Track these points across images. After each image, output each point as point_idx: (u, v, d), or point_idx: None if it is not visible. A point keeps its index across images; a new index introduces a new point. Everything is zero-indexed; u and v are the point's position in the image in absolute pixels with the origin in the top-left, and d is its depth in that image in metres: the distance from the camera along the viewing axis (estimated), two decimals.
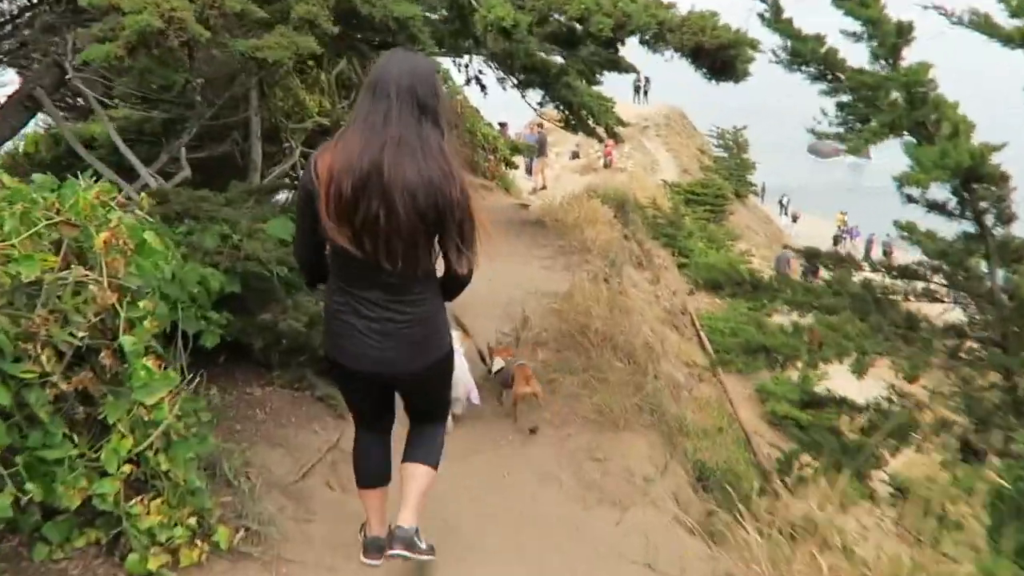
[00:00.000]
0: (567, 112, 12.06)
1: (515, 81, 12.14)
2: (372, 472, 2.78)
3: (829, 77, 5.89)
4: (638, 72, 11.21)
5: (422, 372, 2.57)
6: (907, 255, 30.39)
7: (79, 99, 12.32)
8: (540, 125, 18.69)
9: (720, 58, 6.65)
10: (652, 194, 17.51)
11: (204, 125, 9.28)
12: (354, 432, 2.84)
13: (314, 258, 2.57)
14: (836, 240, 33.05)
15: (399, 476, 2.75)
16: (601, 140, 13.05)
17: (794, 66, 5.89)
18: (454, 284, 2.53)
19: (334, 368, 2.67)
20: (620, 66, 9.46)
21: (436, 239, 2.36)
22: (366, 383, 2.62)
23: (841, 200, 45.77)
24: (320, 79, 12.91)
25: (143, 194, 3.39)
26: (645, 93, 33.85)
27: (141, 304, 2.76)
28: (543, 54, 11.43)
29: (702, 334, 13.27)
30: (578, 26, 7.00)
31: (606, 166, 24.81)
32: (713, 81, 6.96)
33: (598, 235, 9.47)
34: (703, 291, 7.21)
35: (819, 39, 5.90)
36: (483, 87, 13.27)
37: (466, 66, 13.35)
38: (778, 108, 60.04)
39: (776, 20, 6.19)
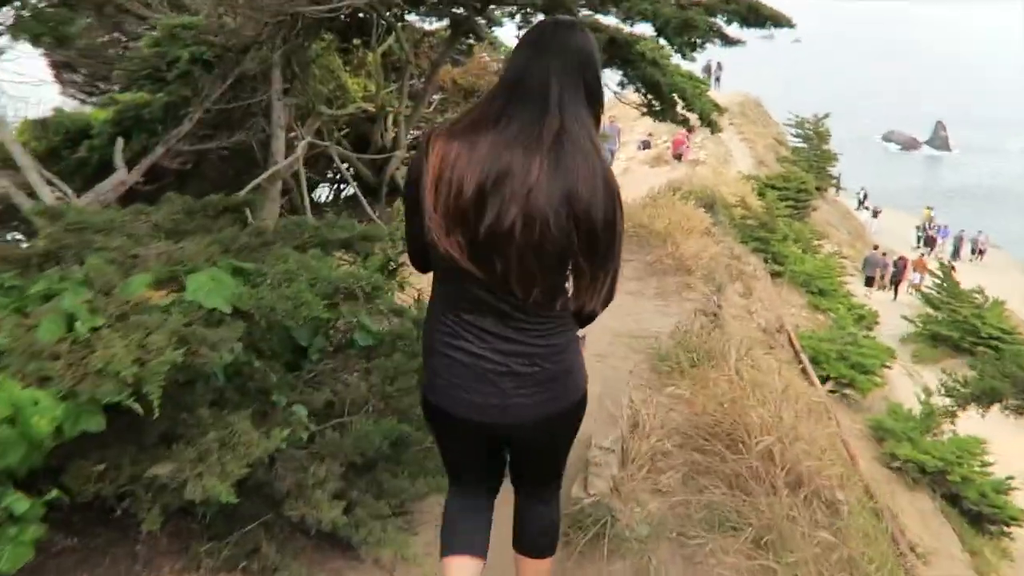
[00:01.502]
0: (653, 96, 9.84)
1: None
2: (464, 539, 1.99)
3: None
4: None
5: (549, 423, 1.86)
6: (999, 254, 27.08)
7: (99, 82, 10.60)
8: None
9: None
10: (736, 190, 15.08)
11: (216, 110, 7.49)
12: (447, 493, 2.10)
13: (422, 255, 1.80)
14: (928, 240, 29.81)
15: (502, 561, 2.08)
16: (691, 129, 10.76)
17: None
18: (585, 320, 1.86)
19: (431, 414, 1.94)
20: (767, 17, 7.09)
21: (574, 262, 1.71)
22: (473, 437, 1.92)
23: (920, 193, 42.29)
24: (367, 60, 11.01)
25: None
26: (717, 79, 31.06)
27: None
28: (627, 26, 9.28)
29: (803, 357, 10.95)
30: None
31: (677, 158, 22.30)
32: None
33: (699, 250, 7.29)
34: (974, 406, 5.05)
35: None
36: None
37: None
38: (853, 101, 56.55)
39: None
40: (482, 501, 2.07)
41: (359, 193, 7.11)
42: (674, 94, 9.36)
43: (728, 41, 7.39)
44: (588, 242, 1.66)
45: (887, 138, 55.42)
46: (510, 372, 1.78)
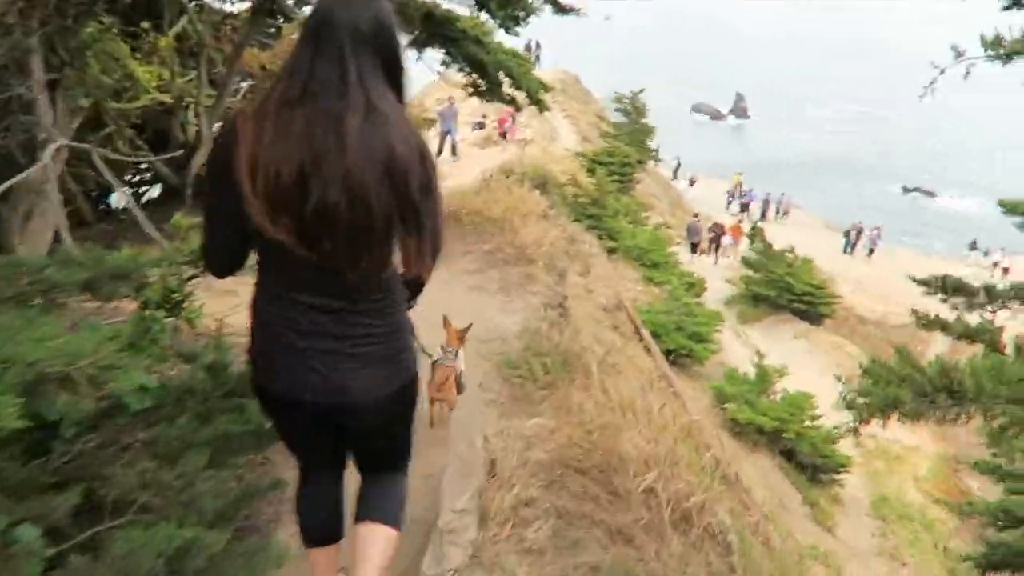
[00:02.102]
0: (478, 75, 9.32)
1: (414, 36, 9.32)
2: (322, 525, 2.08)
3: None
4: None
5: (386, 401, 1.85)
6: (801, 212, 29.06)
7: None
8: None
9: None
10: (566, 168, 14.91)
11: None
12: (298, 474, 2.09)
13: (228, 253, 1.78)
14: (744, 206, 31.26)
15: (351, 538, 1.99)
16: (519, 109, 10.31)
17: None
18: (416, 288, 1.95)
19: (267, 402, 1.91)
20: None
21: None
22: (312, 420, 1.88)
23: (729, 161, 45.00)
24: (159, 45, 9.72)
25: None
26: (537, 58, 31.12)
27: None
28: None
29: (644, 332, 10.95)
30: None
31: (503, 136, 22.02)
32: None
33: (538, 236, 6.89)
34: (874, 417, 4.78)
35: None
36: None
37: None
38: (661, 76, 59.21)
39: None
40: (332, 478, 2.08)
41: (132, 204, 6.07)
42: (500, 73, 8.89)
43: (560, 8, 6.99)
44: (411, 211, 1.66)
45: (695, 110, 58.47)
46: (345, 352, 1.77)
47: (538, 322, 5.20)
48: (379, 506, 1.98)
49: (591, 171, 15.44)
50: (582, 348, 4.47)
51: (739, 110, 58.58)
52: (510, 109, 24.77)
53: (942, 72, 5.34)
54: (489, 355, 4.64)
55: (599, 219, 12.98)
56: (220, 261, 1.79)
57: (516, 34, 8.25)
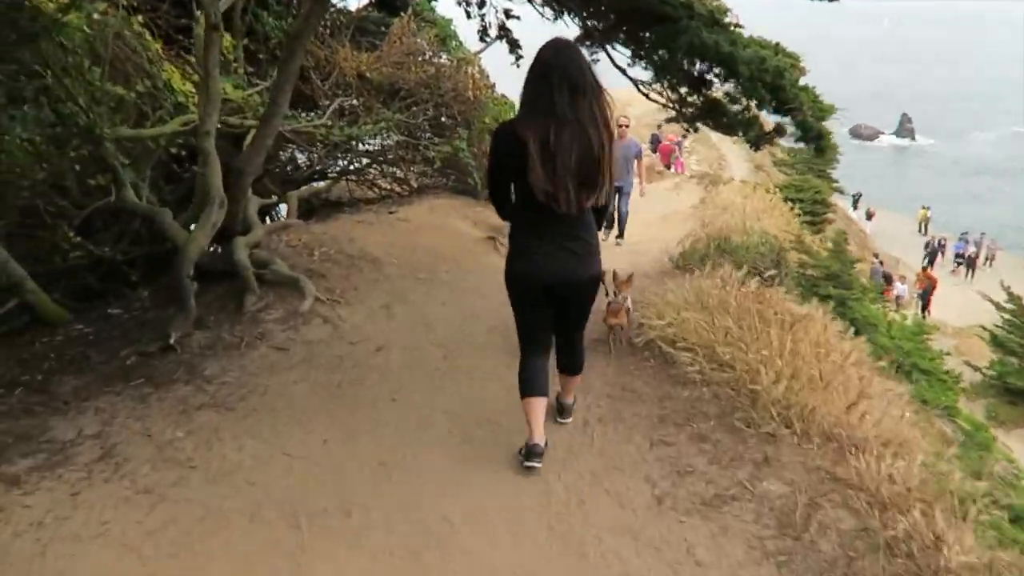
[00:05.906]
0: (700, 88, 5.05)
1: (589, 24, 5.15)
2: (538, 386, 3.11)
3: None
4: None
5: (588, 280, 3.02)
6: (1007, 257, 21.74)
7: None
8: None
9: None
10: (775, 218, 10.01)
11: None
12: (521, 356, 3.16)
13: (505, 203, 2.99)
14: (960, 262, 23.84)
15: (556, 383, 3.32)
16: (770, 142, 5.80)
17: None
18: (600, 215, 3.05)
19: (518, 284, 3.04)
20: None
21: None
22: (543, 294, 3.00)
23: (902, 190, 38.26)
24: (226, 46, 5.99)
25: None
26: None
27: None
28: None
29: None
30: None
31: (668, 167, 17.49)
32: None
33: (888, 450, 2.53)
34: None
35: None
36: (514, 45, 6.35)
37: (481, 6, 6.41)
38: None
39: None
40: (544, 361, 3.12)
41: None
42: (759, 83, 4.57)
43: None
44: (593, 173, 2.75)
45: (854, 133, 51.21)
46: (569, 252, 2.90)
47: None
48: (574, 364, 3.25)
49: (807, 223, 10.65)
50: None
51: (905, 131, 50.90)
52: (671, 135, 19.57)
53: None
54: None
55: (842, 302, 8.36)
56: (503, 209, 2.97)
57: None
